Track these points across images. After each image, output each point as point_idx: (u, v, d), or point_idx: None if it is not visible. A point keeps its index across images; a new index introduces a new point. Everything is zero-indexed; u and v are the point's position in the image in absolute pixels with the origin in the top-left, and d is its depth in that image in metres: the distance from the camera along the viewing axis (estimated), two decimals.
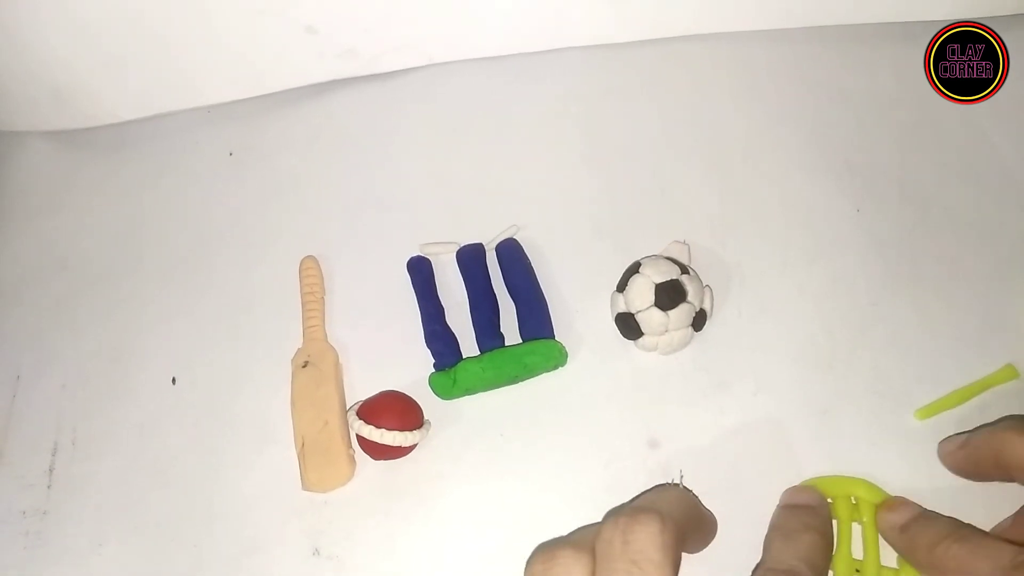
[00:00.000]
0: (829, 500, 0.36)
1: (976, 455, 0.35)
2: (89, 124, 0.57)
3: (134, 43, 0.52)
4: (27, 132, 0.57)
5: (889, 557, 0.35)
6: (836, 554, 0.35)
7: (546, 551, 0.30)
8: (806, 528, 0.34)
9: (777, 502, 0.36)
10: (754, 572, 0.33)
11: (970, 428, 0.37)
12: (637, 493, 0.37)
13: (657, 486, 0.38)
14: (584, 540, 0.30)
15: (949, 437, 0.37)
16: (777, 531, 0.34)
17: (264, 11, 0.51)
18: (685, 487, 0.37)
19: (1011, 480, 0.34)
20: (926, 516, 0.34)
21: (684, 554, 0.31)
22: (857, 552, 0.35)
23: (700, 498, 0.36)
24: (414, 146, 0.52)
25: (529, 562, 0.30)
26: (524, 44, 0.54)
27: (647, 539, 0.28)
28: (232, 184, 0.53)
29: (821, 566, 0.32)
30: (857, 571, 0.35)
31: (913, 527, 0.34)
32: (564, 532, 0.37)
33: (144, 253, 0.51)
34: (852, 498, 0.36)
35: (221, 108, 0.56)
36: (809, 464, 0.38)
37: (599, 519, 0.37)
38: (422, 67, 0.55)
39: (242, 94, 0.56)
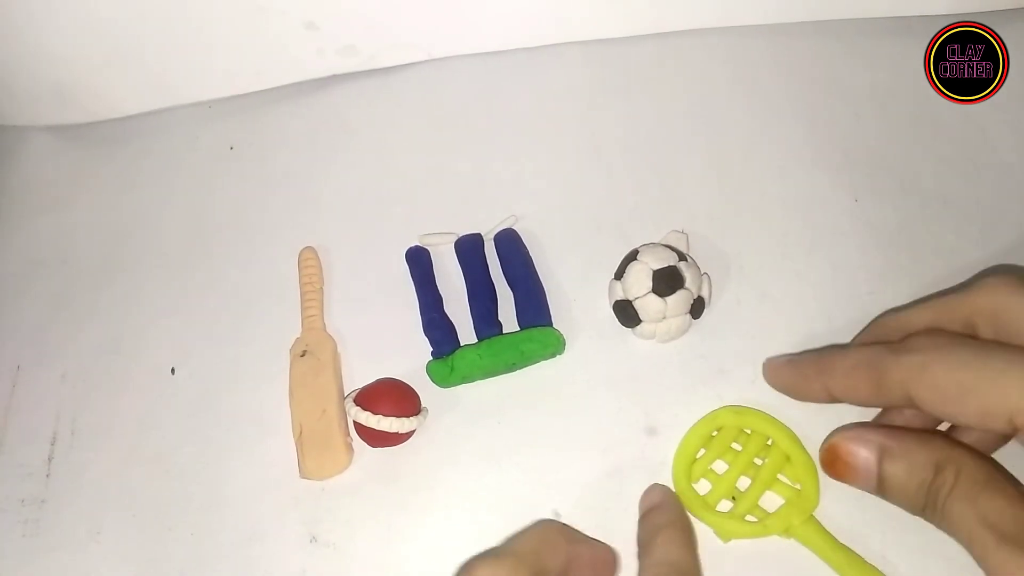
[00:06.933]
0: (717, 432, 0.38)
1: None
2: (90, 119, 0.57)
3: (135, 38, 0.53)
4: (29, 127, 0.57)
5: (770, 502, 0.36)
6: (728, 472, 0.37)
7: None
8: (656, 530, 0.34)
9: None
10: None
11: None
12: (634, 481, 0.37)
13: (537, 521, 0.37)
14: None
15: (780, 357, 0.38)
16: (638, 547, 0.34)
17: (264, 7, 0.51)
18: (562, 523, 0.36)
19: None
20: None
21: None
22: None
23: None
24: (413, 140, 0.52)
25: None
26: (523, 39, 0.54)
27: None
28: (232, 177, 0.53)
29: (679, 557, 0.32)
30: (734, 497, 0.36)
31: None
32: (560, 519, 0.37)
33: (145, 246, 0.51)
34: (747, 429, 0.38)
35: (222, 103, 0.56)
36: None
37: (596, 507, 0.37)
38: (421, 62, 0.55)
39: (243, 89, 0.56)
